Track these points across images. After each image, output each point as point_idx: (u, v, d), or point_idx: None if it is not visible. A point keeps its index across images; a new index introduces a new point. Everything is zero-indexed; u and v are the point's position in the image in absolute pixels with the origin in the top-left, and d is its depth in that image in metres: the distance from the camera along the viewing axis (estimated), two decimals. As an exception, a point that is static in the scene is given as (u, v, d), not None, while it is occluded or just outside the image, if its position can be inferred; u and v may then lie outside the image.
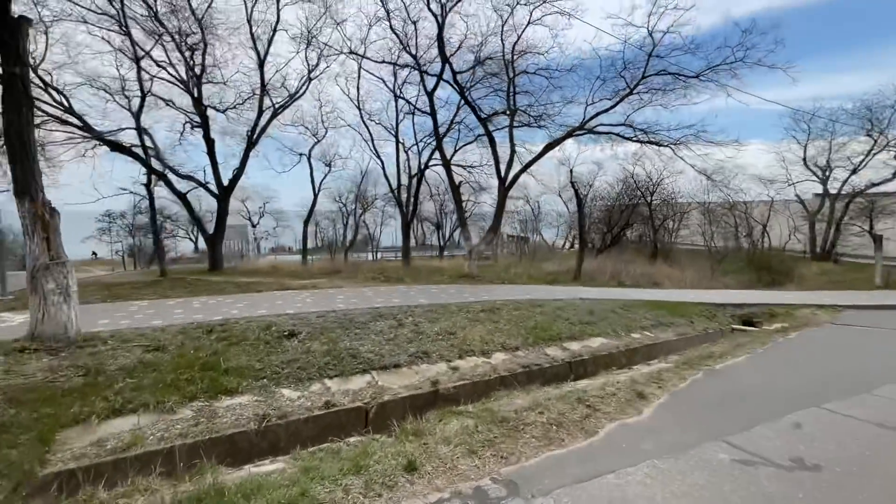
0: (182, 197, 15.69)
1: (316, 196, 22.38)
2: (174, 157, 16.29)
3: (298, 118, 20.36)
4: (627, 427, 4.10)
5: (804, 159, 26.59)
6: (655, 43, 11.50)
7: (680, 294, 13.85)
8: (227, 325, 6.69)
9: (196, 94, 15.18)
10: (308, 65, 17.09)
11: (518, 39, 13.68)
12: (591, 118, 12.77)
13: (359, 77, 18.30)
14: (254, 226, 38.03)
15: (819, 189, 26.92)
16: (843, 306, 11.99)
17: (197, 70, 14.74)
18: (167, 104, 14.69)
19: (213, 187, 16.26)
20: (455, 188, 15.04)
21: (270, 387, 4.99)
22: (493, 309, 8.99)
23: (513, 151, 14.03)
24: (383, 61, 15.79)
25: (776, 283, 20.99)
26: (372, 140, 19.29)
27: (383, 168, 19.53)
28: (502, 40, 14.02)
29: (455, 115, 16.91)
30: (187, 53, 14.04)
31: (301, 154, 21.52)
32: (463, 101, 14.53)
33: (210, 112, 16.01)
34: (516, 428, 3.92)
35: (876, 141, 22.90)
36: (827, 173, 25.83)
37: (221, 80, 15.49)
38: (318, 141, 20.77)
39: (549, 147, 13.36)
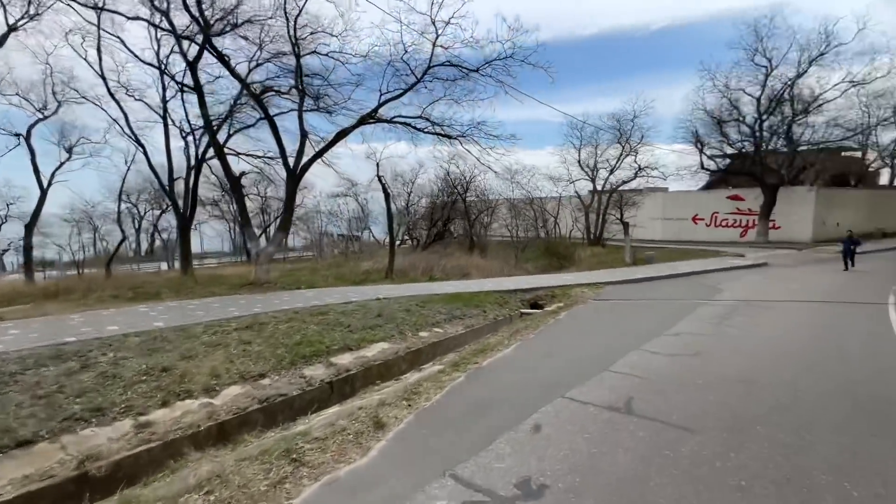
0: None
1: (44, 191, 16.52)
2: None
3: (10, 84, 14.66)
4: (336, 486, 3.00)
5: (579, 161, 31.60)
6: (438, 32, 11.40)
7: (483, 283, 14.27)
8: None
9: None
10: (4, 10, 12.17)
11: (300, 12, 12.02)
12: (381, 105, 12.04)
13: (98, 36, 13.97)
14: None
15: (591, 186, 32.37)
16: (603, 283, 13.87)
17: None
18: None
19: None
20: (234, 180, 12.53)
21: None
22: (255, 324, 7.24)
23: (303, 138, 12.35)
24: (97, 7, 11.83)
25: (563, 266, 24.27)
26: (127, 120, 15.04)
27: (146, 156, 15.46)
28: (286, 13, 12.18)
29: (239, 96, 14.27)
30: None
31: (18, 135, 15.59)
32: (242, 85, 12.14)
33: None
34: (140, 539, 2.42)
35: (623, 147, 28.55)
36: (595, 173, 31.16)
37: None
38: (45, 117, 15.32)
39: (341, 135, 12.13)
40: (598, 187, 31.01)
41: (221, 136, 13.94)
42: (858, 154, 34.58)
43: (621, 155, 28.36)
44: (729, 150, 28.44)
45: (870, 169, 36.42)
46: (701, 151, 28.03)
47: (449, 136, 12.54)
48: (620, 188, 28.50)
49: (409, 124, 12.56)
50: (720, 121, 26.91)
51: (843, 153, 33.16)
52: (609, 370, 5.46)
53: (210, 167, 17.04)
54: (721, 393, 4.64)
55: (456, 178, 35.13)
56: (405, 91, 11.98)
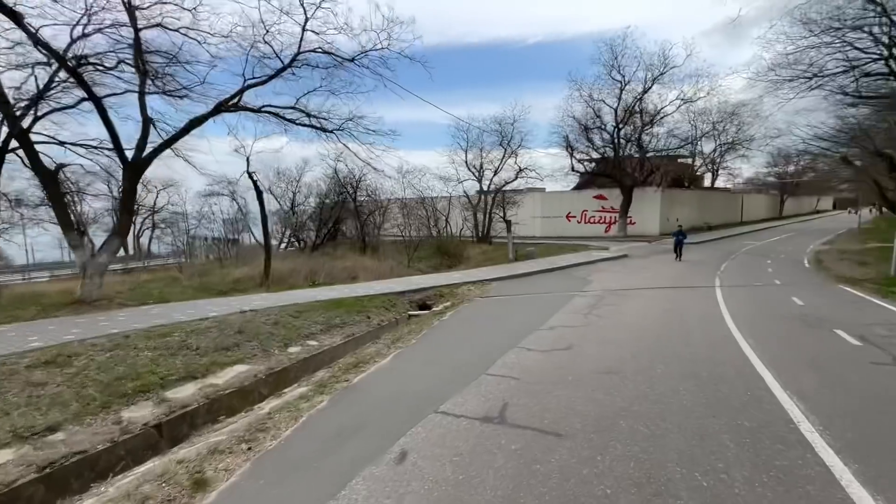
0: None
1: None
2: None
3: None
4: None
5: (466, 162, 32.46)
6: (308, 15, 10.31)
7: (371, 286, 13.54)
8: None
9: None
10: None
11: (135, -27, 9.96)
12: (243, 91, 10.52)
13: None
14: None
15: (478, 186, 33.52)
16: (489, 280, 14.14)
17: None
18: None
19: None
20: (46, 174, 9.88)
21: None
22: (59, 358, 5.60)
23: (146, 124, 10.25)
24: None
25: (454, 264, 24.63)
26: None
27: None
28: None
29: (57, 71, 11.38)
30: None
31: None
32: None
33: None
34: None
35: (505, 150, 30.07)
36: (481, 174, 32.30)
37: None
38: None
39: (195, 123, 10.31)
40: (485, 187, 32.20)
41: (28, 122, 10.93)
42: (689, 161, 41.34)
43: (504, 156, 29.82)
44: (595, 155, 31.70)
45: (697, 173, 43.84)
46: (571, 155, 30.79)
47: (325, 130, 11.52)
48: (504, 188, 29.91)
49: (278, 115, 11.23)
50: (586, 128, 29.86)
51: (679, 160, 39.31)
52: (487, 373, 5.23)
53: (22, 159, 13.45)
54: (589, 388, 4.66)
55: (345, 177, 33.73)
56: (271, 77, 10.64)
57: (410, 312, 11.30)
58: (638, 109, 29.03)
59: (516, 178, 29.20)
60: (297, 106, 11.97)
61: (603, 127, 30.11)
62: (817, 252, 20.59)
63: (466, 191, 33.63)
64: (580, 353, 5.93)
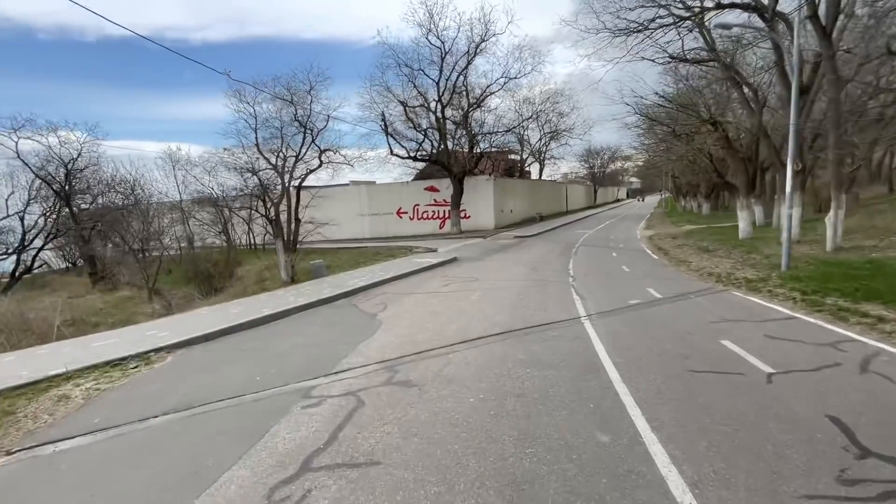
0: None
1: None
2: None
3: None
4: None
5: (257, 145, 23.42)
6: None
7: None
8: None
9: None
10: None
11: None
12: None
13: None
14: None
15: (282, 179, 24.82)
16: (170, 346, 6.51)
17: None
18: None
19: None
20: None
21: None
22: None
23: None
24: None
25: (217, 290, 15.98)
26: None
27: None
28: None
29: None
30: None
31: None
32: None
33: None
34: None
35: (305, 127, 22.21)
36: (283, 162, 23.69)
37: None
38: None
39: None
40: (287, 180, 23.76)
41: None
42: (518, 154, 39.44)
43: (304, 137, 21.87)
44: (420, 137, 25.97)
45: (527, 167, 42.72)
46: (387, 134, 24.47)
47: None
48: (306, 179, 22.13)
49: None
50: (405, 104, 23.91)
51: (509, 154, 36.81)
52: None
53: None
54: None
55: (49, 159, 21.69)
56: None
57: None
58: (463, 86, 24.35)
59: (320, 164, 21.69)
60: None
61: (426, 105, 24.65)
62: (649, 239, 18.28)
63: (266, 184, 24.58)
64: None
